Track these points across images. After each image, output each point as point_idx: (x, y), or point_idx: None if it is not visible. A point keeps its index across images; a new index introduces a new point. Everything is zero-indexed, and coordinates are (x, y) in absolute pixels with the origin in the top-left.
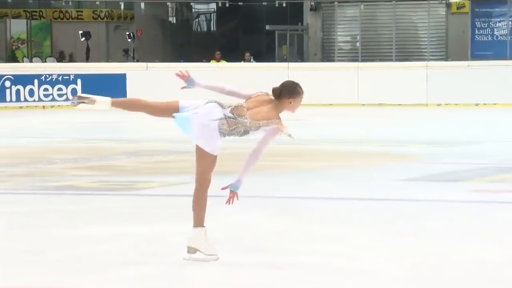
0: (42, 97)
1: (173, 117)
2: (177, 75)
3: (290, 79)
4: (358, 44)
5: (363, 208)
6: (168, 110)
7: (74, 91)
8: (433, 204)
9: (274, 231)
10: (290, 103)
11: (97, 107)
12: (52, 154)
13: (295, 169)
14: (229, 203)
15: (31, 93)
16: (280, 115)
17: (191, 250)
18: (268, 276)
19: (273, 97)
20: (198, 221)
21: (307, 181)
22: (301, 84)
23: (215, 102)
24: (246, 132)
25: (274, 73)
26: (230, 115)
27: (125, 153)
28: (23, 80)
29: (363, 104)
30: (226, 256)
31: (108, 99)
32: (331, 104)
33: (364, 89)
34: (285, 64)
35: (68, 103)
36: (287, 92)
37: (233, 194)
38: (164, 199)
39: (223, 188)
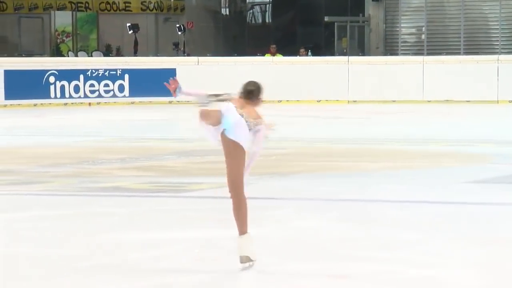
0: (88, 93)
1: (217, 125)
2: (166, 85)
3: (350, 74)
4: (423, 36)
5: (431, 212)
6: (218, 117)
7: (121, 87)
8: (507, 208)
9: (336, 237)
10: (260, 102)
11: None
12: (99, 153)
13: (356, 170)
14: None
15: (77, 89)
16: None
17: (245, 259)
18: (328, 285)
19: (247, 99)
20: (245, 228)
21: (370, 183)
22: (362, 79)
23: (231, 104)
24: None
25: (333, 67)
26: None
27: (175, 153)
28: (68, 75)
29: (429, 101)
30: (284, 263)
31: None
32: (394, 101)
33: (430, 85)
34: (345, 58)
35: (199, 104)
36: (261, 92)
37: None
38: (216, 202)
39: None
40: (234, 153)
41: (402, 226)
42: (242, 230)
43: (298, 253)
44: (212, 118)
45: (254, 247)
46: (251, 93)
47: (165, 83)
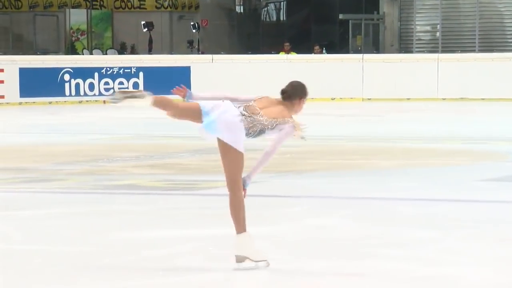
0: (102, 91)
1: (198, 121)
2: (174, 92)
3: (365, 71)
4: (438, 34)
5: (446, 210)
6: (190, 111)
7: (135, 85)
8: None
9: (350, 235)
10: (300, 103)
11: (143, 102)
12: (113, 151)
13: (370, 168)
14: None
15: (91, 87)
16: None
17: (240, 259)
18: (343, 283)
19: (281, 99)
20: (240, 227)
21: (383, 181)
22: (376, 77)
23: (229, 101)
24: (262, 131)
25: (347, 65)
26: (245, 113)
27: (189, 151)
28: (83, 73)
29: (444, 99)
30: (298, 261)
31: (150, 96)
32: (408, 99)
33: (444, 83)
34: (359, 55)
35: (109, 98)
36: (300, 92)
37: (244, 190)
38: None
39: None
40: (224, 152)
41: (417, 224)
42: (239, 229)
43: (312, 251)
44: (172, 109)
45: (252, 247)
46: (285, 93)
47: (173, 89)
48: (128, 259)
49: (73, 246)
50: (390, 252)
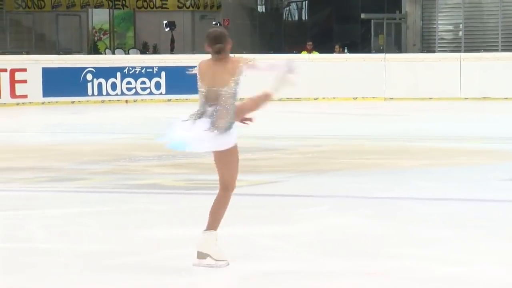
0: (125, 90)
1: None
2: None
3: (387, 71)
4: (461, 33)
5: (466, 210)
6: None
7: (157, 85)
8: None
9: (370, 234)
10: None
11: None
12: (136, 151)
13: (392, 168)
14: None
15: (114, 86)
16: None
17: (201, 256)
18: (362, 282)
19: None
20: (214, 225)
21: (405, 181)
22: (398, 76)
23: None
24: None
25: (369, 65)
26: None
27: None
28: (105, 73)
29: (466, 98)
30: (316, 260)
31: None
32: (431, 98)
33: (467, 82)
34: (381, 55)
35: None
36: (223, 37)
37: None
38: (252, 199)
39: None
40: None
41: (436, 223)
42: (212, 226)
43: (330, 250)
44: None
45: (216, 246)
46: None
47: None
48: (150, 258)
49: (95, 245)
50: (409, 251)
